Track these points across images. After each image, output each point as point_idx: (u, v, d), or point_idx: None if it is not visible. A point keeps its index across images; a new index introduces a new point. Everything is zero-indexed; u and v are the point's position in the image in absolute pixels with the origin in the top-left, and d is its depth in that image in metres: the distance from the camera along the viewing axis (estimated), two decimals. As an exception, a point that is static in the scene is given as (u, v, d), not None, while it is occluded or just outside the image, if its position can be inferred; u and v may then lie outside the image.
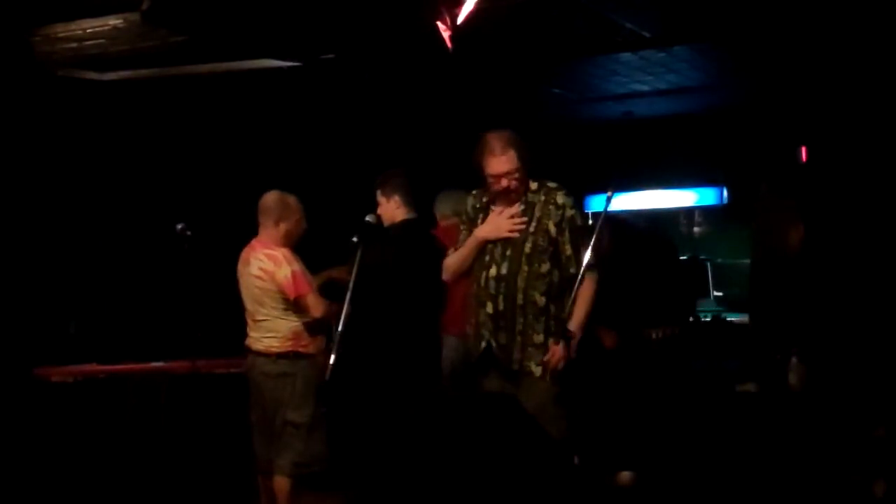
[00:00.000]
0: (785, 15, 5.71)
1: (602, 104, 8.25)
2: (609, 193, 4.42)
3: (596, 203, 8.99)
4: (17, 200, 6.46)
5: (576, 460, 4.84)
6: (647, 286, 5.48)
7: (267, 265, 4.86)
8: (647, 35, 6.13)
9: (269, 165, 7.07)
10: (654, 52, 6.60)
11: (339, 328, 3.94)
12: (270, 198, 5.02)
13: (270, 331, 4.89)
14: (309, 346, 4.91)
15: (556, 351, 4.10)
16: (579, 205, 9.04)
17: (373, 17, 5.51)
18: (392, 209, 4.91)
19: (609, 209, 4.42)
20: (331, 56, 6.31)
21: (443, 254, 4.55)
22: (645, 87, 7.63)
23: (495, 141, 4.23)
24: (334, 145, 8.09)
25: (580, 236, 4.22)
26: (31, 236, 6.53)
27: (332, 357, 3.91)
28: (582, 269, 4.00)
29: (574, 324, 4.11)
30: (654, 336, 5.23)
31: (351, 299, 3.97)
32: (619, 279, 5.41)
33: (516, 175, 4.22)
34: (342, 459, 5.09)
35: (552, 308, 4.18)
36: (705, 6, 5.65)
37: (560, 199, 4.27)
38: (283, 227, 4.96)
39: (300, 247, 5.09)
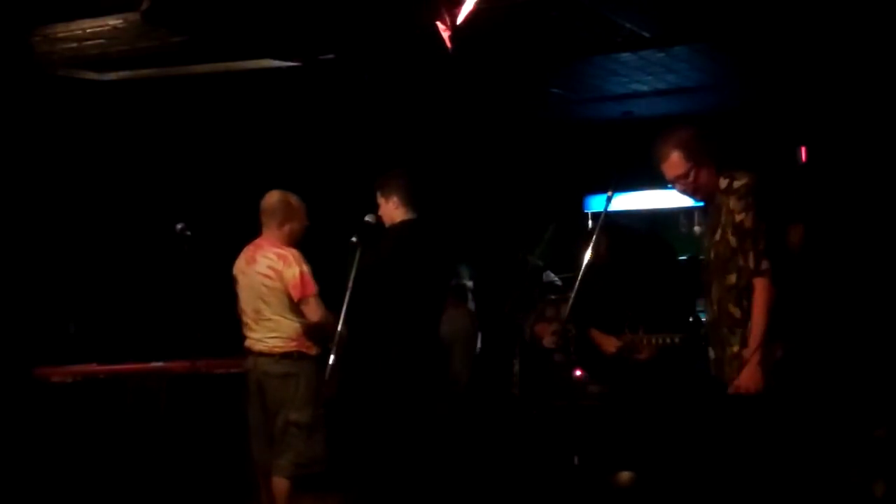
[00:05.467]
0: (784, 15, 5.71)
1: (602, 104, 8.24)
2: (609, 193, 4.42)
3: (596, 203, 8.99)
4: (16, 200, 6.45)
5: (576, 460, 4.84)
6: (646, 292, 5.47)
7: (276, 264, 4.85)
8: (647, 35, 6.12)
9: (268, 165, 7.06)
10: (654, 52, 6.60)
11: (338, 329, 3.95)
12: (274, 199, 4.99)
13: (274, 331, 4.88)
14: (312, 346, 4.90)
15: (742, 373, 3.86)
16: (579, 205, 9.15)
17: (373, 18, 5.50)
18: (391, 210, 4.90)
19: (609, 209, 4.43)
20: (331, 56, 6.30)
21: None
22: (645, 87, 7.63)
23: (659, 146, 4.14)
24: (334, 146, 8.09)
25: (744, 240, 3.92)
26: (30, 236, 6.53)
27: (332, 358, 3.91)
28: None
29: (749, 339, 3.85)
30: (654, 342, 5.21)
31: (350, 300, 3.97)
32: (617, 285, 5.41)
33: (688, 178, 4.11)
34: (342, 460, 5.09)
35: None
36: (705, 6, 5.65)
37: (732, 203, 3.97)
38: (287, 228, 4.96)
39: (299, 247, 5.09)
